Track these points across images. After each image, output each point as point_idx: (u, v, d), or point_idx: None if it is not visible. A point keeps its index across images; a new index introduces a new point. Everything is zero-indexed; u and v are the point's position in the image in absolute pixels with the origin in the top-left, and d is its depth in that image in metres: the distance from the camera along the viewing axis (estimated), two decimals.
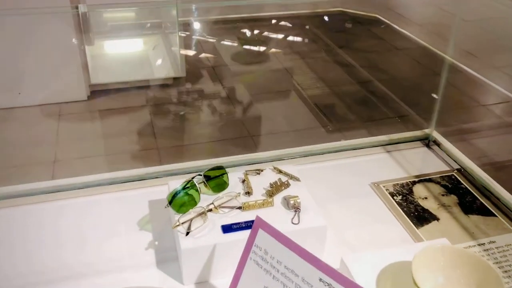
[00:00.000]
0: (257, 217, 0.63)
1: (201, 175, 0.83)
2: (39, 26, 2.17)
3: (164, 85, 2.48)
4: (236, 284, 0.65)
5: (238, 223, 0.76)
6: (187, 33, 2.61)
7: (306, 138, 1.74)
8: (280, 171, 0.87)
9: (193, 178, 0.82)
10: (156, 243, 0.82)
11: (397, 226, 0.86)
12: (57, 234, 0.84)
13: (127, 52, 2.65)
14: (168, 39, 2.72)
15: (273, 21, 3.56)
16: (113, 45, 2.60)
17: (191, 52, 2.67)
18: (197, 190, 0.80)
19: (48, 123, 2.22)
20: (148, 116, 2.31)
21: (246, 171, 0.87)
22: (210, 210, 0.77)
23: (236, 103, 2.46)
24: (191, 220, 0.76)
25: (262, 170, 0.88)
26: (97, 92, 2.39)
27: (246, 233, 0.75)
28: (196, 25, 2.98)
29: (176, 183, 0.82)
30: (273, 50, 3.04)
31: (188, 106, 2.41)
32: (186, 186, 0.80)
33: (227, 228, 0.75)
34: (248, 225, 0.76)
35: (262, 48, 2.98)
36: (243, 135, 2.10)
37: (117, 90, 2.42)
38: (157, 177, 0.95)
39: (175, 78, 2.49)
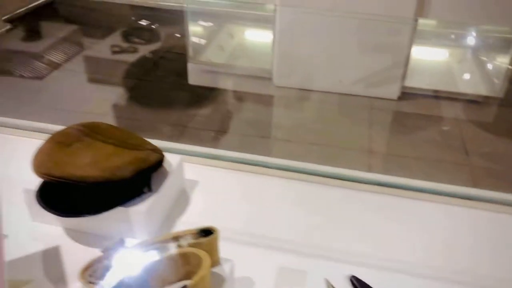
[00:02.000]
0: None
1: None
2: (377, 26, 2.31)
3: (474, 101, 2.40)
4: None
5: None
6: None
7: None
8: None
9: None
10: None
11: None
12: None
13: (436, 60, 2.64)
14: (478, 53, 2.62)
15: None
16: (426, 52, 2.62)
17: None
18: None
19: (359, 113, 2.36)
20: (457, 129, 2.26)
21: None
22: None
23: None
24: None
25: None
26: (405, 94, 2.44)
27: None
28: None
29: None
30: None
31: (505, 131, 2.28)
32: None
33: None
34: None
35: None
36: None
37: (423, 96, 2.43)
38: None
39: (487, 97, 2.39)
